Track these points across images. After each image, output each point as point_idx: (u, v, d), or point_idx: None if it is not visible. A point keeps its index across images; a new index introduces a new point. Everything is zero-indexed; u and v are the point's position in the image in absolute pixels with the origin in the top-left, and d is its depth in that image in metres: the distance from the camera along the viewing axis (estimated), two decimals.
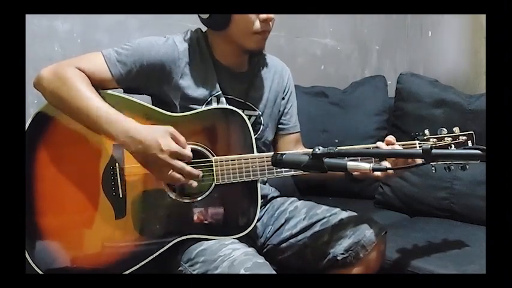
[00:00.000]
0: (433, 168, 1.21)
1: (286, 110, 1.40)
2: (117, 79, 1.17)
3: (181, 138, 1.10)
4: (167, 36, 1.23)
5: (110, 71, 1.16)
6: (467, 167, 1.17)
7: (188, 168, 1.09)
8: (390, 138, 1.17)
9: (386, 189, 1.85)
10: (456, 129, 1.19)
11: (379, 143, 1.17)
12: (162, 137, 1.07)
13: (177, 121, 1.19)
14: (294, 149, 1.40)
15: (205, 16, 1.19)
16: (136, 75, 1.18)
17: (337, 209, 1.30)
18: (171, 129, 1.09)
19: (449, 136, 1.18)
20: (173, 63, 1.21)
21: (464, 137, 1.18)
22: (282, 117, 1.40)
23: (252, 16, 1.18)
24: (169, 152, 1.06)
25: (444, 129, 1.19)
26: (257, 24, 1.19)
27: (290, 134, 1.41)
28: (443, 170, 1.21)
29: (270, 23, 1.21)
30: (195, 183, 1.12)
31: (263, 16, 1.18)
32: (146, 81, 1.20)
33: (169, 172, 1.07)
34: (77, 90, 1.10)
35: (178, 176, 1.08)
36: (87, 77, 1.14)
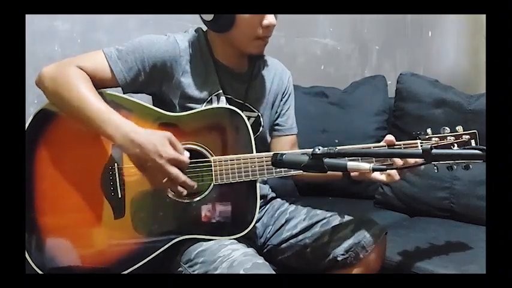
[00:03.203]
0: (435, 167, 1.20)
1: (283, 112, 1.40)
2: (118, 77, 1.17)
3: (179, 145, 1.09)
4: (168, 34, 1.23)
5: (111, 69, 1.16)
6: (471, 166, 1.16)
7: (183, 177, 1.08)
8: (390, 137, 1.16)
9: (386, 189, 1.85)
10: (459, 128, 1.18)
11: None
12: (160, 142, 1.06)
13: (176, 121, 1.19)
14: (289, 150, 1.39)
15: (208, 18, 1.19)
16: (138, 73, 1.18)
17: (337, 211, 1.30)
18: (169, 134, 1.08)
19: (451, 135, 1.18)
20: (174, 61, 1.21)
21: (467, 136, 1.17)
22: (279, 118, 1.40)
23: (254, 21, 1.18)
24: (167, 158, 1.05)
25: (447, 128, 1.18)
26: (259, 30, 1.19)
27: (286, 135, 1.40)
28: (446, 169, 1.20)
29: (271, 28, 1.21)
30: (194, 186, 1.12)
31: (265, 22, 1.18)
32: (147, 79, 1.20)
33: (164, 179, 1.07)
34: (77, 90, 1.10)
35: (171, 184, 1.08)
36: (88, 76, 1.14)
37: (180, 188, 1.09)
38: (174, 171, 1.06)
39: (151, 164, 1.05)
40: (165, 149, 1.06)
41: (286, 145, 1.40)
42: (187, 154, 1.10)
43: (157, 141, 1.06)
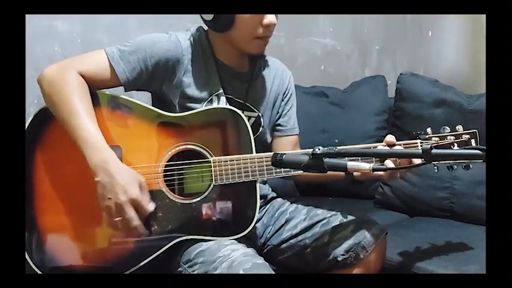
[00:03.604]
0: (435, 167, 1.20)
1: (284, 112, 1.40)
2: (121, 77, 1.16)
3: (146, 191, 1.08)
4: (170, 33, 1.23)
5: (114, 69, 1.16)
6: (471, 166, 1.16)
7: (136, 223, 1.05)
8: (390, 138, 1.15)
9: (386, 189, 1.85)
10: (459, 128, 1.17)
11: (379, 146, 1.16)
12: (130, 181, 1.05)
13: (176, 121, 1.19)
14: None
15: (208, 18, 1.19)
16: (140, 72, 1.18)
17: (338, 210, 1.30)
18: (142, 179, 1.08)
19: (452, 135, 1.17)
20: (176, 60, 1.21)
21: (468, 136, 1.17)
22: (280, 119, 1.39)
23: (254, 21, 1.18)
24: (129, 198, 1.04)
25: (447, 127, 1.18)
26: (259, 30, 1.19)
27: (287, 136, 1.40)
28: (446, 169, 1.19)
29: (272, 28, 1.21)
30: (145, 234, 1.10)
31: (266, 21, 1.18)
32: (150, 78, 1.20)
33: (117, 218, 1.04)
34: (69, 103, 1.09)
35: (122, 225, 1.05)
36: (89, 78, 1.14)
37: (128, 231, 1.07)
38: (130, 213, 1.04)
39: (112, 197, 1.03)
40: (132, 188, 1.04)
41: (288, 145, 1.39)
42: (152, 206, 1.09)
43: (128, 178, 1.05)
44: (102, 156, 1.05)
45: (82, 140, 1.06)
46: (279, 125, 1.39)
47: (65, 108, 1.09)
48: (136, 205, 1.05)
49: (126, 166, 1.08)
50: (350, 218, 1.26)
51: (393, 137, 1.15)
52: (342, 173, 1.24)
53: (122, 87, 1.19)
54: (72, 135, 1.08)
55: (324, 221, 1.26)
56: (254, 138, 1.19)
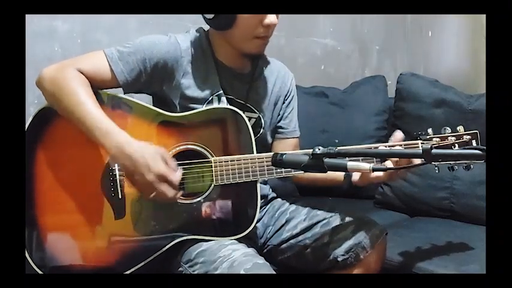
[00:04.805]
0: (436, 168, 1.20)
1: (286, 114, 1.40)
2: (119, 78, 1.17)
3: (172, 162, 1.08)
4: (169, 35, 1.23)
5: (112, 70, 1.16)
6: (472, 166, 1.16)
7: (171, 194, 1.07)
8: (399, 134, 1.16)
9: (386, 189, 1.85)
10: (460, 128, 1.17)
11: (379, 146, 1.16)
12: (151, 157, 1.05)
13: (176, 121, 1.19)
14: None
15: (210, 16, 1.19)
16: (139, 74, 1.18)
17: (338, 211, 1.30)
18: (162, 150, 1.07)
19: (452, 135, 1.17)
20: (175, 62, 1.21)
21: (468, 136, 1.17)
22: (282, 121, 1.39)
23: (255, 20, 1.18)
24: (156, 174, 1.04)
25: (448, 128, 1.18)
26: (259, 29, 1.19)
27: (288, 138, 1.40)
28: (447, 169, 1.19)
29: (272, 28, 1.21)
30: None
31: (266, 21, 1.18)
32: (148, 80, 1.20)
33: (152, 194, 1.06)
34: (75, 95, 1.09)
35: (160, 199, 1.07)
36: (88, 78, 1.14)
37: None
38: (163, 187, 1.05)
39: (139, 178, 1.04)
40: (156, 164, 1.04)
41: (288, 148, 1.39)
42: (179, 173, 1.09)
43: (149, 155, 1.05)
44: (115, 140, 1.06)
45: (93, 128, 1.07)
46: (280, 127, 1.39)
47: (70, 101, 1.09)
48: (164, 179, 1.05)
49: (141, 143, 1.07)
50: (350, 218, 1.26)
51: (401, 132, 1.16)
52: (340, 179, 1.26)
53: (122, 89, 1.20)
54: (80, 125, 1.08)
55: (324, 222, 1.26)
56: (254, 139, 1.19)
